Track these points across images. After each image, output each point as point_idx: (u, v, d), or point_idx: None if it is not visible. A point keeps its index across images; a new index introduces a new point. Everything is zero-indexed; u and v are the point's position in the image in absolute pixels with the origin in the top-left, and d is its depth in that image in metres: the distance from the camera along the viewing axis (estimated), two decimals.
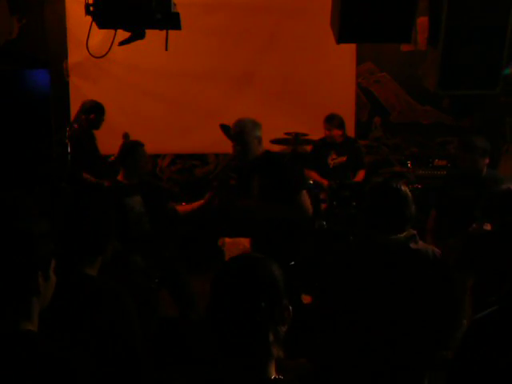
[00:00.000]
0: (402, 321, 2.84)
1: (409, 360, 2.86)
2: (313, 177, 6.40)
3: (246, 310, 1.61)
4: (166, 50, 3.90)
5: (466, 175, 4.92)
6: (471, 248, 3.69)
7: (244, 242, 6.77)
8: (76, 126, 5.97)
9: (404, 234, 2.94)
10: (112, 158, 5.67)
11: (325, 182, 6.27)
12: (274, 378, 1.62)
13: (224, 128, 5.73)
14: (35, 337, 1.81)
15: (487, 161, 4.88)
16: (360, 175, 6.50)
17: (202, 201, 4.72)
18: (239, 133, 4.26)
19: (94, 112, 6.07)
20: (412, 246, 2.94)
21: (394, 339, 2.84)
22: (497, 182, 4.66)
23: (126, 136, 5.79)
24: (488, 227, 4.06)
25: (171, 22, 3.74)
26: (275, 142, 6.54)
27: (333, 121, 6.38)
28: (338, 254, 3.22)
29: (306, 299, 4.45)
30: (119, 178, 4.76)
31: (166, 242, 4.75)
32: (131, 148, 4.87)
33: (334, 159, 6.51)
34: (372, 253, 2.93)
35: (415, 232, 3.00)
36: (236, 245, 6.86)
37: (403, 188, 3.01)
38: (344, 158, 6.48)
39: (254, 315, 1.60)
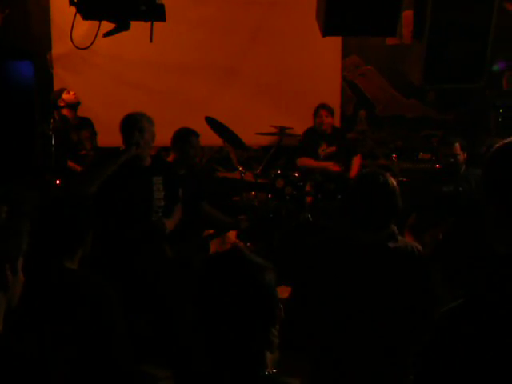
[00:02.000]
0: (381, 319, 2.76)
1: (389, 358, 2.81)
2: (312, 164, 6.38)
3: (237, 314, 1.57)
4: (151, 41, 3.87)
5: (446, 172, 5.00)
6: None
7: (229, 235, 6.76)
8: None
9: (385, 230, 2.80)
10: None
11: (330, 165, 6.32)
12: (268, 372, 1.60)
13: (209, 121, 5.72)
14: None
15: (465, 156, 4.96)
16: (356, 161, 6.54)
17: None
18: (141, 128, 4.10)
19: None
20: (391, 244, 2.80)
21: (373, 337, 2.77)
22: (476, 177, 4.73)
23: None
24: None
25: (156, 13, 3.73)
26: (260, 134, 6.55)
27: (328, 108, 6.44)
28: (313, 249, 2.99)
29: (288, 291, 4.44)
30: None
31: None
32: (184, 135, 4.90)
33: (324, 150, 6.53)
34: (350, 252, 2.80)
35: (395, 229, 2.84)
36: (221, 237, 6.85)
37: (391, 181, 2.81)
38: (334, 148, 6.51)
39: (245, 319, 1.58)
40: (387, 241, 2.82)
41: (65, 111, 6.02)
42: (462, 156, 4.92)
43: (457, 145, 4.92)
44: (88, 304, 2.39)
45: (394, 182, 2.84)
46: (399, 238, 2.88)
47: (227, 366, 1.59)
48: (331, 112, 6.50)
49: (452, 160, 4.91)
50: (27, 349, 1.76)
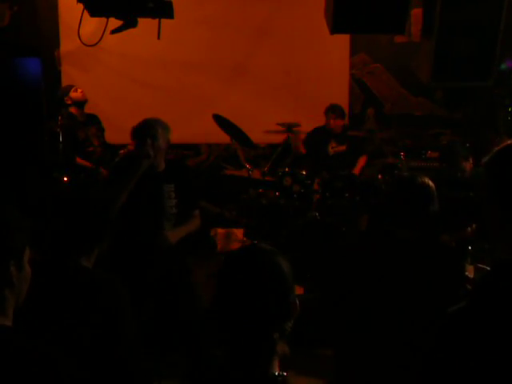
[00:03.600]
0: (415, 317, 2.73)
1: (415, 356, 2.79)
2: None
3: (252, 307, 1.58)
4: (159, 38, 3.87)
5: (453, 177, 5.02)
6: None
7: (236, 233, 6.77)
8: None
9: (425, 230, 2.85)
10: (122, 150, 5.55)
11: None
12: (278, 373, 1.60)
13: (217, 118, 5.71)
14: (10, 332, 1.73)
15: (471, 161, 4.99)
16: (361, 161, 6.55)
17: None
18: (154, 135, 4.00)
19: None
20: (430, 243, 2.87)
21: (408, 335, 2.72)
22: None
23: None
24: None
25: (164, 10, 3.73)
26: (268, 132, 6.53)
27: (336, 111, 6.44)
28: (349, 248, 3.08)
29: (298, 290, 4.45)
30: None
31: None
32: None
33: (333, 147, 6.54)
34: (390, 251, 2.84)
35: (435, 229, 2.91)
36: (228, 235, 6.86)
37: (431, 183, 2.89)
38: (344, 147, 6.52)
39: (259, 312, 1.58)
40: (427, 240, 2.87)
41: (72, 109, 6.03)
42: (467, 166, 4.95)
43: (460, 160, 4.95)
44: (102, 302, 2.40)
45: (433, 185, 2.91)
46: (439, 237, 2.92)
47: (237, 363, 1.60)
48: (341, 114, 6.49)
49: (459, 174, 4.94)
50: (38, 344, 1.75)
